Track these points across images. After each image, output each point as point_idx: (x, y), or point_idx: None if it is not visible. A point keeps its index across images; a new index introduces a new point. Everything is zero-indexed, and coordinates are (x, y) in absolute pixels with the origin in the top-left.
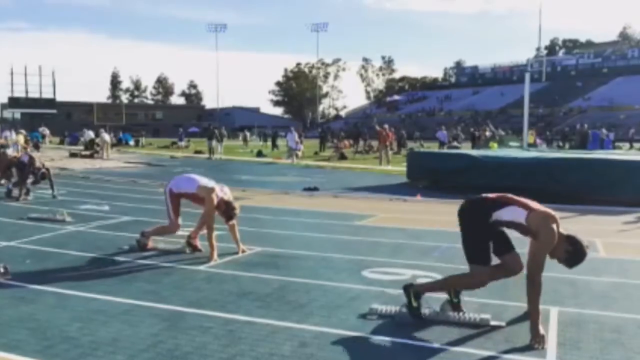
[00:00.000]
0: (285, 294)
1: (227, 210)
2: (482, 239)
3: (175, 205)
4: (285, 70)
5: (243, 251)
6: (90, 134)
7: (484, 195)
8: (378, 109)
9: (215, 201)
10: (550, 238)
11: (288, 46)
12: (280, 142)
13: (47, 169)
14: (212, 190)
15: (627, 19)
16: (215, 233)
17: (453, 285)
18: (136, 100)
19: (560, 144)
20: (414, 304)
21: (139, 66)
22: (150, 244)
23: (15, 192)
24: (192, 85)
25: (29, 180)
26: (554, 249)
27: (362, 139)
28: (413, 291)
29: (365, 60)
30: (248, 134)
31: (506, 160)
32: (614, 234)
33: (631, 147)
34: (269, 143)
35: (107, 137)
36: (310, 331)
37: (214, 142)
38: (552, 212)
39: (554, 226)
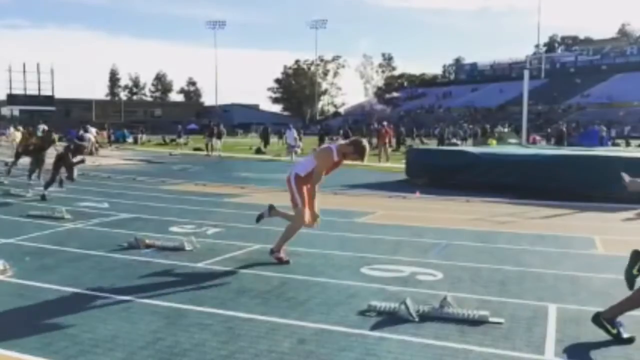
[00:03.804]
0: (285, 291)
1: (356, 148)
2: None
3: (302, 191)
4: (284, 67)
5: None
6: (93, 131)
7: None
8: (377, 105)
9: (335, 153)
10: None
11: (287, 43)
12: (272, 139)
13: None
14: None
15: (626, 16)
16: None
17: None
18: (135, 98)
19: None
20: (613, 331)
21: (138, 63)
22: (149, 241)
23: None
24: (191, 83)
25: (34, 175)
26: None
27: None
28: (604, 319)
29: (365, 57)
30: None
31: (505, 158)
32: (613, 231)
33: (628, 144)
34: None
35: (91, 134)
36: (310, 328)
37: (213, 139)
38: None
39: None
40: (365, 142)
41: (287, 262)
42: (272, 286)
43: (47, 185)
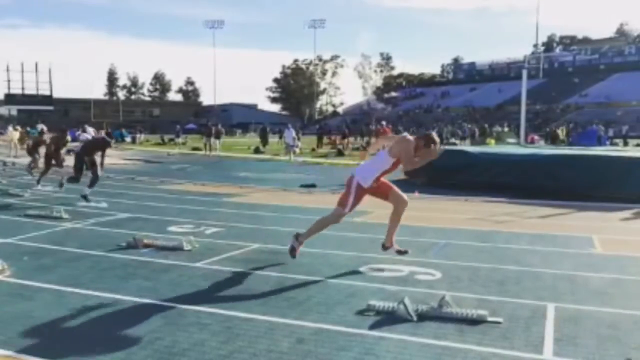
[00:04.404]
0: (284, 291)
1: (427, 142)
2: None
3: (358, 200)
4: (283, 67)
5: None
6: (90, 130)
7: None
8: (376, 104)
9: (413, 141)
10: None
11: (286, 43)
12: (272, 139)
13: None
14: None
15: (625, 16)
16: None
17: None
18: (133, 97)
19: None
20: None
21: (137, 63)
22: (148, 241)
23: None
24: (190, 82)
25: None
26: None
27: (351, 136)
28: None
29: (364, 56)
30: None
31: (504, 157)
32: (611, 231)
33: (625, 144)
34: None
35: (89, 134)
36: (309, 327)
37: (212, 139)
38: None
39: None
40: (436, 136)
41: (293, 257)
42: (271, 286)
43: (72, 180)
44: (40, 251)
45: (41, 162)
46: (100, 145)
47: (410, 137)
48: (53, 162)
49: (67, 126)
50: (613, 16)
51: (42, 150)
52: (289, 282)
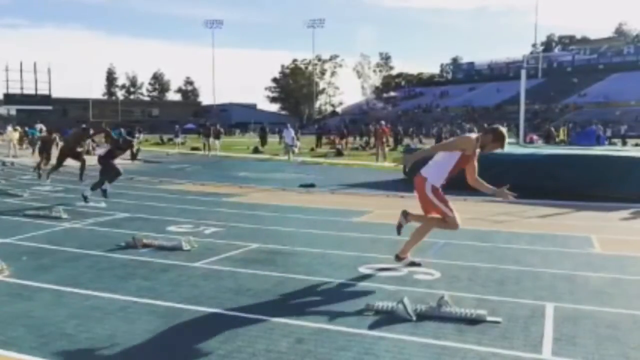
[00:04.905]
0: (283, 291)
1: (495, 136)
2: None
3: (442, 199)
4: (282, 66)
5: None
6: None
7: None
8: (375, 104)
9: (476, 142)
10: None
11: (285, 43)
12: (273, 138)
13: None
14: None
15: (623, 16)
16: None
17: None
18: (132, 97)
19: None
20: None
21: (136, 63)
22: (147, 241)
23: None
24: (189, 82)
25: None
26: None
27: (350, 135)
28: None
29: (363, 56)
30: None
31: (504, 157)
32: (610, 230)
33: (624, 143)
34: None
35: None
36: (308, 327)
37: (210, 139)
38: None
39: None
40: (503, 128)
41: (398, 234)
42: (270, 285)
43: (109, 180)
44: (39, 251)
45: (51, 162)
46: (124, 147)
47: (472, 136)
48: (68, 159)
49: (66, 126)
50: (612, 16)
51: (53, 150)
52: (289, 282)
